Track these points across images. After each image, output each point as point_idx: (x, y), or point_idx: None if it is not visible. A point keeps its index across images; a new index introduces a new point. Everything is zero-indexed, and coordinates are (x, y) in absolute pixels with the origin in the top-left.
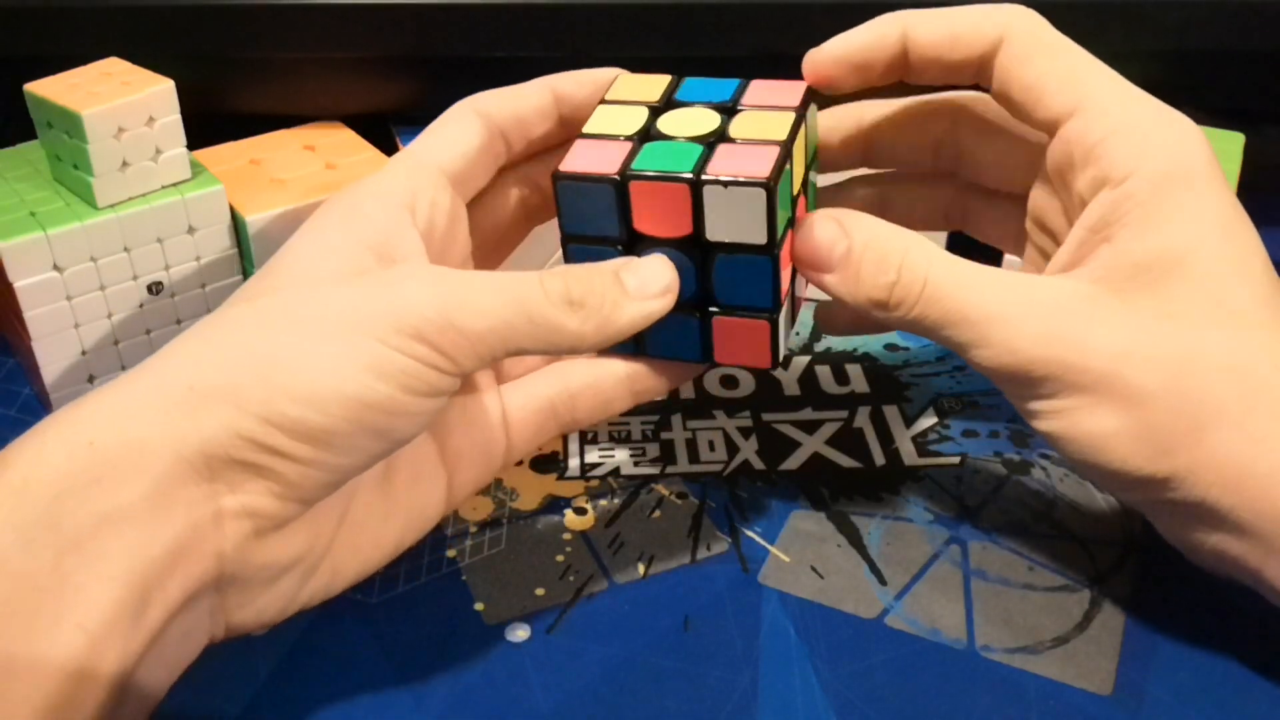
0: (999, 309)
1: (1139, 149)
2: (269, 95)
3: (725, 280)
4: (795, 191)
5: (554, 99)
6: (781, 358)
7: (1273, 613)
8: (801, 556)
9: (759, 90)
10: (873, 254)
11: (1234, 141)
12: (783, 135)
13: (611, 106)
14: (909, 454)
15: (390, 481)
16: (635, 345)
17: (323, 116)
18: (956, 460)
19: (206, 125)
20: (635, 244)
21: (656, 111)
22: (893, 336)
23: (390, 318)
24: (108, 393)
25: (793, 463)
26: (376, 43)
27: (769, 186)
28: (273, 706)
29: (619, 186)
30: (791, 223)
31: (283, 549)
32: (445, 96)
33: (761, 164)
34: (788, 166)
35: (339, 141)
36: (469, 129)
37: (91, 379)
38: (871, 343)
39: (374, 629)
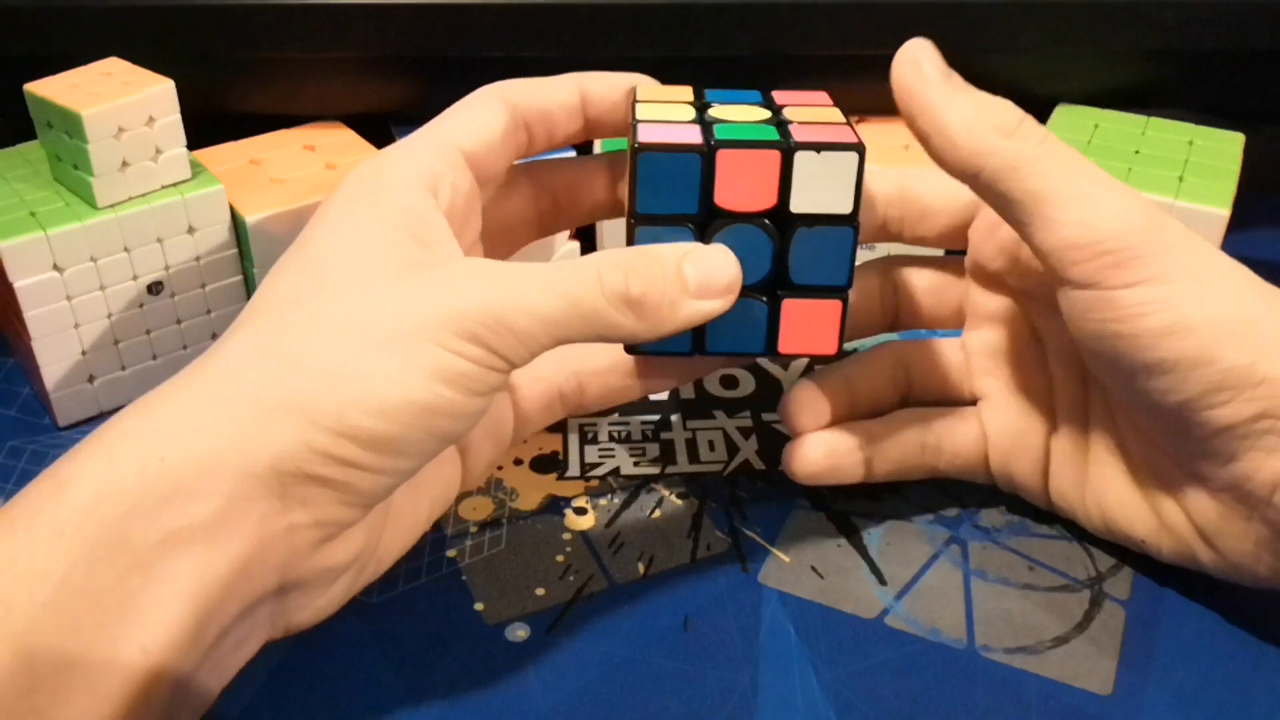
0: (1111, 180)
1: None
2: (269, 95)
3: (803, 256)
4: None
5: (582, 98)
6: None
7: (1272, 613)
8: (801, 556)
9: (784, 96)
10: (993, 98)
11: (1234, 141)
12: (842, 118)
13: (651, 104)
14: None
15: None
16: (693, 343)
17: (323, 116)
18: None
19: (206, 125)
20: (710, 221)
21: (699, 108)
22: (892, 337)
23: (448, 321)
24: (173, 403)
25: None
26: (376, 43)
27: (861, 150)
28: (273, 706)
29: (707, 156)
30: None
31: (344, 551)
32: (445, 96)
33: (845, 134)
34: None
35: (339, 141)
36: (493, 115)
37: (91, 379)
38: (870, 343)
39: (374, 629)
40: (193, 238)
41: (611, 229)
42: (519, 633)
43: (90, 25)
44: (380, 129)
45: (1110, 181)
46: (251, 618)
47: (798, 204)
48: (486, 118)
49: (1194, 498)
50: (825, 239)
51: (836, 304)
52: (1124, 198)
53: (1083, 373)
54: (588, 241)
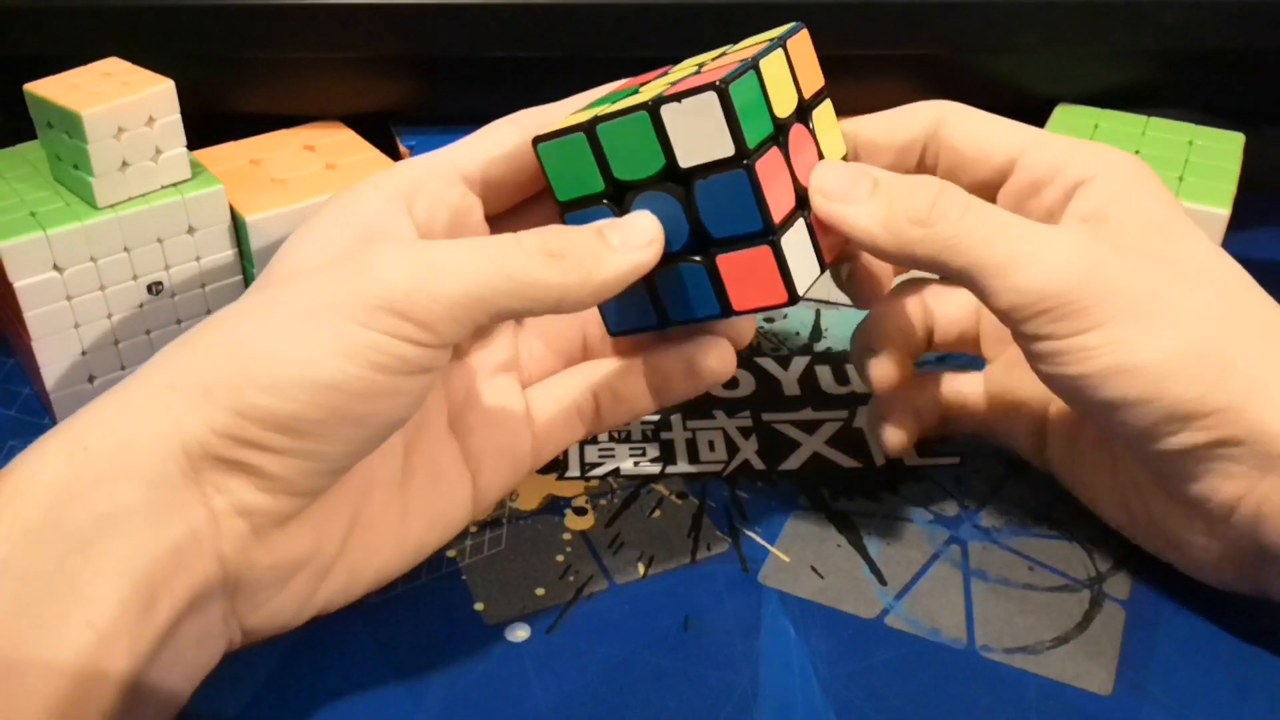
0: (1043, 233)
1: (1096, 159)
2: (269, 95)
3: (711, 208)
4: (782, 116)
5: None
6: (802, 291)
7: (1272, 613)
8: (801, 556)
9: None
10: (906, 182)
11: (1234, 141)
12: (750, 63)
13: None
14: (909, 454)
15: (408, 481)
16: (657, 315)
17: (323, 116)
18: (956, 460)
19: (206, 125)
20: (623, 195)
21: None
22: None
23: (359, 294)
24: (104, 398)
25: (793, 463)
26: (376, 43)
27: (720, 88)
28: (273, 706)
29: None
30: (782, 143)
31: (287, 548)
32: (445, 96)
33: (716, 75)
34: (759, 84)
35: (339, 141)
36: (500, 138)
37: (91, 379)
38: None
39: (374, 629)
40: (193, 238)
41: None
42: (519, 633)
43: (90, 25)
44: (380, 129)
45: (1040, 236)
46: (205, 612)
47: (684, 158)
48: (492, 140)
49: (1164, 505)
50: (724, 186)
51: (766, 250)
52: (1057, 253)
53: None
54: None
